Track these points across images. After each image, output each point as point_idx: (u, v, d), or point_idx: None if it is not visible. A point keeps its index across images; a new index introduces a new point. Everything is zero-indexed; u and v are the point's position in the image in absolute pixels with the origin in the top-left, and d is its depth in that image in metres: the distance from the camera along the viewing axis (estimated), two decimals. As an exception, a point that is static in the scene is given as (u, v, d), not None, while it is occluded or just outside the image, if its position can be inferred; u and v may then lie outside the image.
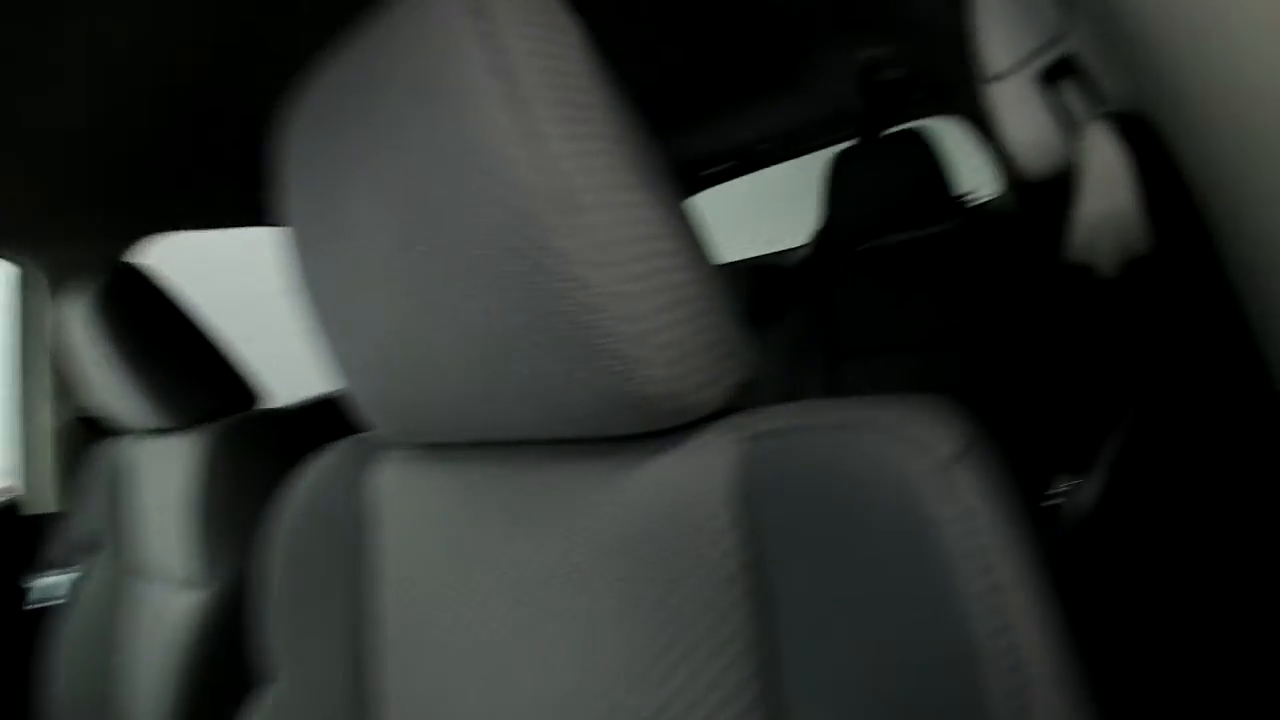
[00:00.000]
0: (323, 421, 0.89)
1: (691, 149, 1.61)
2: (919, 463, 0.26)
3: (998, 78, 0.25)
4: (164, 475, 0.97)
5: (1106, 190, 0.20)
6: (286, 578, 0.49)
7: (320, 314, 0.41)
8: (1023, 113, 0.24)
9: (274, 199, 0.41)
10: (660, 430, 0.35)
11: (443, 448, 0.45)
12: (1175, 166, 0.20)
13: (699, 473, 0.33)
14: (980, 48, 0.25)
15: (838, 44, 1.11)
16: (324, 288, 0.40)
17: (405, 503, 0.45)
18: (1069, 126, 0.24)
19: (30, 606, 1.08)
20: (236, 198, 1.06)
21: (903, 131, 1.16)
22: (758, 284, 1.41)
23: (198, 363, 0.96)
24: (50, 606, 1.06)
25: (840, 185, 1.20)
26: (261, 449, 0.95)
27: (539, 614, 0.38)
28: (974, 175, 1.58)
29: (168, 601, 0.95)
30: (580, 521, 0.37)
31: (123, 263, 0.99)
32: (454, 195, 0.30)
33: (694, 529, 0.32)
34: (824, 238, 1.34)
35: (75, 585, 1.05)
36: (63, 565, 1.08)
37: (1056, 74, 0.24)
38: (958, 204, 1.16)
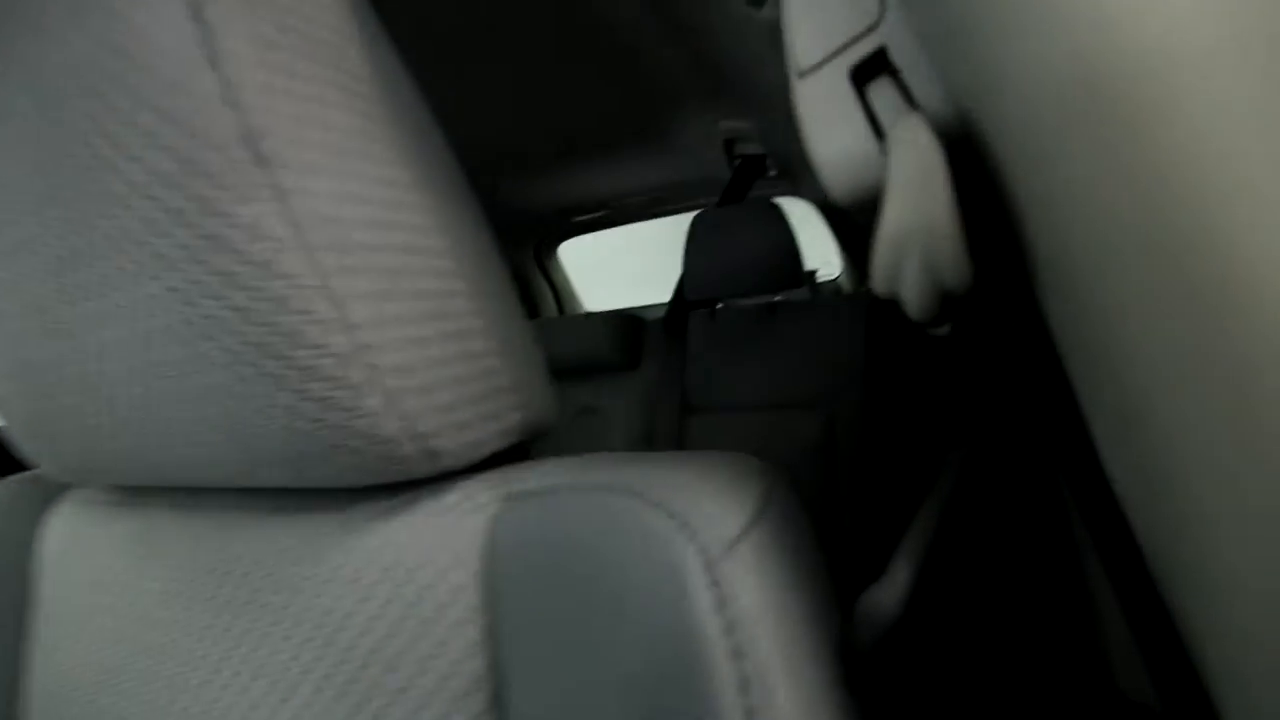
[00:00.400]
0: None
1: (562, 194, 1.58)
2: (688, 549, 0.20)
3: (804, 74, 0.21)
4: None
5: (915, 200, 0.16)
6: None
7: None
8: (832, 115, 0.20)
9: None
10: (406, 482, 0.27)
11: (132, 492, 0.36)
12: (991, 174, 0.17)
13: (446, 539, 0.25)
14: (789, 37, 0.21)
15: (705, 114, 1.14)
16: None
17: (79, 559, 0.36)
18: (880, 133, 0.20)
19: None
20: None
21: (759, 200, 1.20)
22: (618, 332, 1.38)
23: None
24: None
25: (697, 245, 1.22)
26: None
27: (234, 705, 0.29)
28: (825, 254, 1.71)
29: None
30: (293, 595, 0.27)
31: None
32: (104, 132, 0.21)
33: (437, 610, 0.24)
34: (681, 294, 1.35)
35: None
36: None
37: (868, 71, 0.20)
38: (807, 276, 1.22)
